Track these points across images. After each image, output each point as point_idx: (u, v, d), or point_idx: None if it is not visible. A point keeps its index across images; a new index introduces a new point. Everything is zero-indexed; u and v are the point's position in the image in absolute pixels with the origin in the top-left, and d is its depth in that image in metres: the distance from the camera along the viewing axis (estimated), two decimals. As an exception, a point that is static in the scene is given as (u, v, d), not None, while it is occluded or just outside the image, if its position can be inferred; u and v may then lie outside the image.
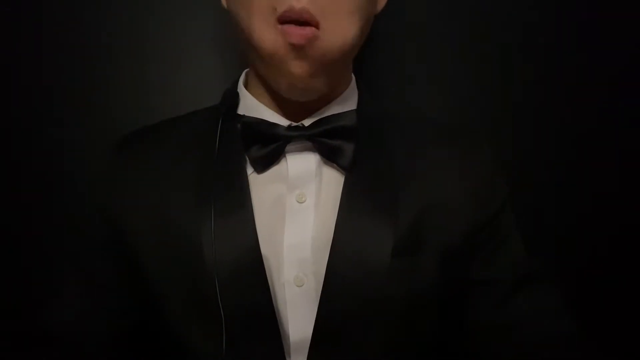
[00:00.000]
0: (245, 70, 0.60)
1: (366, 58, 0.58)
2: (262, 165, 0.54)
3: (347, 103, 0.57)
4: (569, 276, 0.83)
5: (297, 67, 0.48)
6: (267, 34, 0.47)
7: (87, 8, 0.76)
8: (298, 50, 0.47)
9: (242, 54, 0.53)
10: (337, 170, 0.54)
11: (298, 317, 0.51)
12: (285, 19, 0.46)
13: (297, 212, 0.53)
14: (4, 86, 0.77)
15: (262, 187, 0.53)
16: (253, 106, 0.56)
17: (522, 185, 0.80)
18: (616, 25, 0.82)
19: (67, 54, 0.76)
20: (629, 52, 0.82)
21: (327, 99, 0.56)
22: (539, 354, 0.55)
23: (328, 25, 0.47)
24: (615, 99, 0.83)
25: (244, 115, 0.55)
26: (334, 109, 0.55)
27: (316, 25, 0.46)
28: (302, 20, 0.46)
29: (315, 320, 0.51)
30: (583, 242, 0.85)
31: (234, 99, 0.58)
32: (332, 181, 0.54)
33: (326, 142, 0.53)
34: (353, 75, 0.60)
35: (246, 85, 0.59)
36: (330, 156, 0.53)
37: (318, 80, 0.50)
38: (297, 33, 0.46)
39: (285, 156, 0.54)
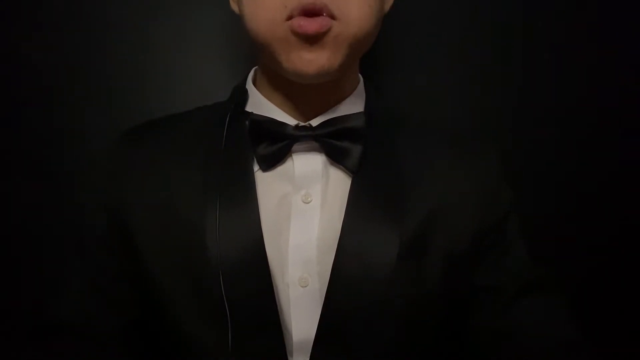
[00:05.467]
0: (254, 68, 0.60)
1: (370, 58, 0.58)
2: (269, 163, 0.53)
3: (355, 104, 0.57)
4: (568, 278, 0.83)
5: (309, 52, 0.47)
6: (277, 30, 0.47)
7: (89, 5, 0.76)
8: (311, 39, 0.47)
9: (248, 54, 0.52)
10: (344, 171, 0.54)
11: (301, 317, 0.52)
12: (297, 12, 0.46)
13: (302, 212, 0.53)
14: (4, 85, 0.76)
15: (268, 185, 0.53)
16: (261, 104, 0.56)
17: (522, 186, 0.80)
18: (616, 25, 0.81)
19: (68, 52, 0.76)
20: (630, 52, 0.82)
21: (335, 100, 0.55)
22: None
23: (344, 14, 0.47)
24: (616, 99, 0.83)
25: (251, 112, 0.55)
26: (342, 110, 0.55)
27: (331, 16, 0.46)
28: (314, 12, 0.46)
29: (319, 321, 0.51)
30: (583, 244, 0.85)
31: (243, 96, 0.57)
32: (339, 182, 0.54)
33: (333, 144, 0.53)
34: (361, 77, 0.60)
35: (255, 83, 0.59)
36: (336, 157, 0.53)
37: (331, 65, 0.48)
38: (312, 24, 0.46)
39: (291, 155, 0.54)
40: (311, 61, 0.47)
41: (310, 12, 0.46)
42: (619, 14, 0.81)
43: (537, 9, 0.80)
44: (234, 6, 0.55)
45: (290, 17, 0.46)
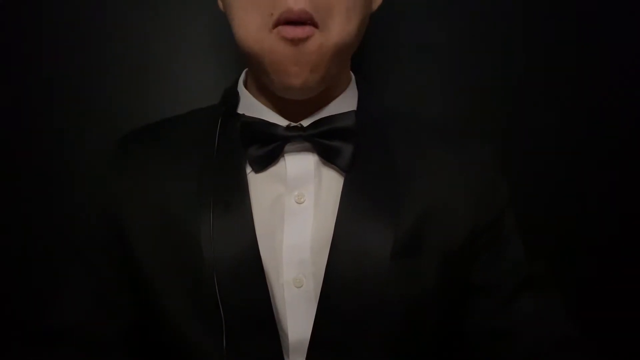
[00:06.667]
0: (246, 70, 0.60)
1: (366, 58, 0.58)
2: (261, 164, 0.53)
3: (346, 103, 0.57)
4: (568, 278, 0.82)
5: (295, 65, 0.48)
6: (264, 38, 0.48)
7: (87, 8, 0.76)
8: (296, 46, 0.47)
9: (239, 54, 0.53)
10: (337, 171, 0.54)
11: (297, 318, 0.52)
12: (282, 22, 0.46)
13: (296, 212, 0.53)
14: (4, 86, 0.77)
15: (261, 186, 0.53)
16: (252, 105, 0.56)
17: (522, 186, 0.80)
18: (617, 26, 0.81)
19: (66, 54, 0.77)
20: (630, 52, 0.82)
21: (326, 99, 0.55)
22: (539, 358, 0.54)
23: (326, 24, 0.47)
24: (616, 99, 0.82)
25: (243, 114, 0.55)
26: (333, 110, 0.55)
27: (315, 25, 0.47)
28: (299, 22, 0.46)
29: (314, 321, 0.51)
30: (583, 244, 0.84)
31: (234, 98, 0.58)
32: (332, 182, 0.54)
33: (324, 143, 0.53)
34: (353, 75, 0.60)
35: (246, 85, 0.59)
36: (328, 157, 0.53)
37: (315, 77, 0.49)
38: (297, 29, 0.46)
39: (284, 156, 0.54)
40: (296, 75, 0.48)
41: (296, 21, 0.46)
42: (619, 14, 0.81)
43: (537, 8, 0.80)
44: (220, 5, 0.55)
45: (275, 26, 0.47)
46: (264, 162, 0.53)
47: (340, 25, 0.48)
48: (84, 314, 0.56)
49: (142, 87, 0.78)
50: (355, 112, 0.54)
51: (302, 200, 0.53)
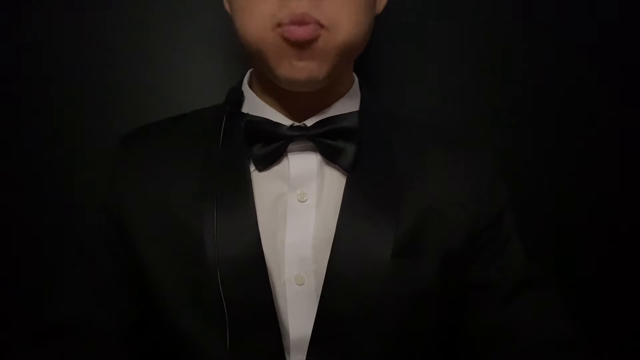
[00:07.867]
0: (250, 70, 0.61)
1: (366, 58, 0.58)
2: (264, 163, 0.54)
3: (349, 104, 0.57)
4: (568, 278, 0.83)
5: (300, 61, 0.48)
6: (267, 37, 0.48)
7: (87, 8, 0.77)
8: (300, 46, 0.47)
9: (244, 54, 0.53)
10: (339, 170, 0.54)
11: (298, 315, 0.52)
12: (286, 23, 0.46)
13: (298, 211, 0.53)
14: (4, 86, 0.77)
15: (264, 185, 0.54)
16: (257, 105, 0.57)
17: (522, 186, 0.81)
18: (616, 27, 0.81)
19: (68, 53, 0.77)
20: (629, 53, 0.82)
21: (330, 100, 0.56)
22: (538, 358, 0.55)
23: (333, 24, 0.47)
24: (616, 99, 0.83)
25: (247, 113, 0.56)
26: (337, 110, 0.56)
27: (320, 25, 0.47)
28: (304, 22, 0.46)
29: (315, 319, 0.51)
30: (583, 244, 0.85)
31: (239, 98, 0.58)
32: (334, 181, 0.54)
33: (328, 143, 0.53)
34: (356, 76, 0.60)
35: (250, 85, 0.59)
36: (331, 157, 0.54)
37: (322, 71, 0.49)
38: (299, 31, 0.46)
39: (287, 155, 0.55)
40: (302, 69, 0.48)
41: (300, 22, 0.46)
42: (619, 14, 0.81)
43: (538, 8, 0.80)
44: (227, 6, 0.56)
45: (279, 25, 0.47)
46: (267, 161, 0.54)
47: (348, 26, 0.48)
48: (84, 309, 0.56)
49: (145, 86, 0.78)
50: (359, 113, 0.55)
51: (304, 198, 0.53)
